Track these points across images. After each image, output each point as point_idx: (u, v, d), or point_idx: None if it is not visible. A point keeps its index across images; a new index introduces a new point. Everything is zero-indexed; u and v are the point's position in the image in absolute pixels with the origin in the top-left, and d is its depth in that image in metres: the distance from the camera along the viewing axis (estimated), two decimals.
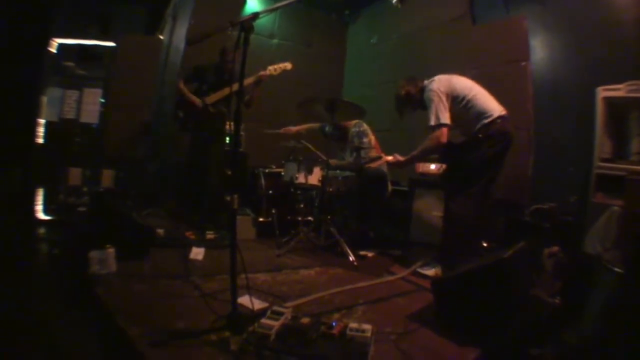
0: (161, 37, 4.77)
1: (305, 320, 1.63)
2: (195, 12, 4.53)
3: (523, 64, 3.69)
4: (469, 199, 2.59)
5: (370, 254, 3.18)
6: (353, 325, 1.60)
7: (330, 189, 3.26)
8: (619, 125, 2.90)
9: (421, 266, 2.82)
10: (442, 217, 3.18)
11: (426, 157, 3.04)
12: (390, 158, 2.91)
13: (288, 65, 3.83)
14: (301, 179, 3.31)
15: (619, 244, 2.20)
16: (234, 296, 1.66)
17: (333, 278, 2.61)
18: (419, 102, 2.88)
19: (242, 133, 4.55)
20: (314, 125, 4.09)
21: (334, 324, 1.62)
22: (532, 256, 2.28)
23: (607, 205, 2.63)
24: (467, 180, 2.61)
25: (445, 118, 2.59)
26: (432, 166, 3.62)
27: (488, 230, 2.97)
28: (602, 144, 2.88)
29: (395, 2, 4.81)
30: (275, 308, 1.72)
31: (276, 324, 1.56)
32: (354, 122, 3.73)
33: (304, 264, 2.84)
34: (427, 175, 3.68)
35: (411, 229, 3.62)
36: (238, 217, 3.40)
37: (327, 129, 3.80)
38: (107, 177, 3.90)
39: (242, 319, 1.63)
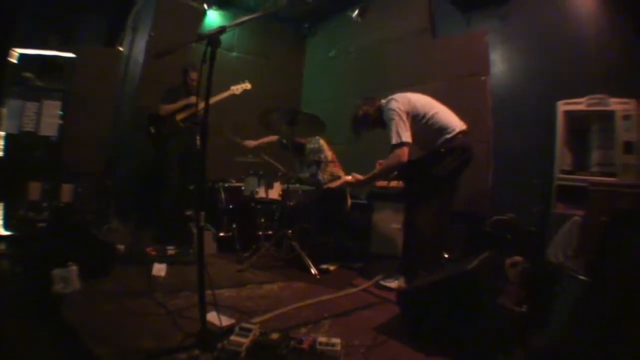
0: (121, 49, 4.68)
1: (275, 335, 1.68)
2: (156, 24, 4.50)
3: (483, 77, 3.85)
4: (429, 211, 2.67)
5: (332, 267, 3.25)
6: (322, 339, 1.66)
7: (291, 203, 3.33)
8: (580, 138, 3.05)
9: (383, 278, 2.89)
10: (401, 229, 3.35)
11: (387, 176, 3.11)
12: (349, 178, 2.94)
13: (248, 85, 4.12)
14: (261, 193, 3.36)
15: (581, 252, 2.35)
16: (203, 313, 1.68)
17: (297, 292, 2.66)
18: (376, 121, 2.95)
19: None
20: (272, 138, 4.18)
21: (303, 338, 1.68)
22: (495, 266, 2.38)
23: (568, 215, 2.79)
24: (427, 193, 2.69)
25: (407, 137, 2.63)
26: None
27: (448, 241, 3.08)
28: (562, 155, 3.03)
29: (356, 16, 4.89)
30: (243, 324, 1.75)
31: (246, 340, 1.61)
32: (309, 139, 3.87)
33: (267, 279, 2.87)
34: (386, 188, 3.79)
35: (371, 241, 3.73)
36: (196, 232, 3.45)
37: (284, 142, 3.93)
38: (67, 192, 3.75)
39: (211, 337, 1.67)
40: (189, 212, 4.23)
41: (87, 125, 4.11)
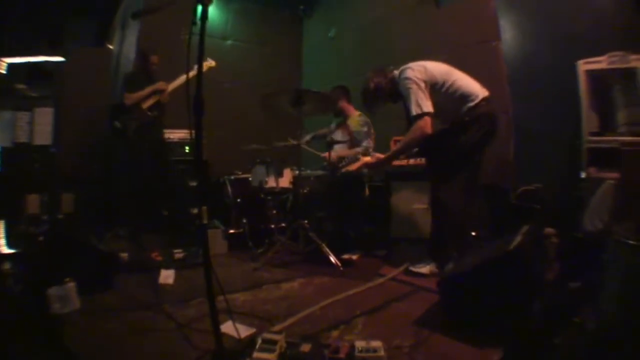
0: (111, 47, 4.40)
1: (306, 347, 1.42)
2: (145, 18, 4.24)
3: (494, 43, 3.60)
4: (458, 186, 2.47)
5: (354, 257, 3.00)
6: (360, 344, 1.42)
7: (305, 191, 3.06)
8: (603, 98, 2.86)
9: (412, 264, 2.66)
10: (425, 209, 3.12)
11: (409, 151, 2.82)
12: (367, 159, 2.72)
13: (212, 63, 3.79)
14: (271, 182, 3.08)
15: (620, 216, 2.14)
16: (217, 332, 1.41)
17: (320, 288, 2.41)
18: (390, 94, 2.72)
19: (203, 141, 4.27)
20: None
21: (338, 345, 1.43)
22: (538, 240, 2.16)
23: (601, 179, 2.60)
24: (454, 166, 2.48)
25: (428, 106, 2.42)
26: None
27: (476, 218, 2.85)
28: (588, 118, 2.83)
29: None
30: (266, 335, 1.49)
31: (272, 356, 1.35)
32: (357, 113, 3.65)
33: (285, 276, 2.62)
34: (403, 167, 3.48)
35: (392, 225, 3.44)
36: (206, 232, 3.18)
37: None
38: (67, 202, 3.57)
39: (229, 355, 1.41)
40: (194, 211, 3.98)
41: (82, 130, 3.92)
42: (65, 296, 1.93)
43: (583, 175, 2.74)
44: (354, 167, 2.80)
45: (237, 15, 5.27)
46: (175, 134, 4.07)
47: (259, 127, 4.79)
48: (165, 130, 3.95)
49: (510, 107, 3.44)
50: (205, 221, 1.40)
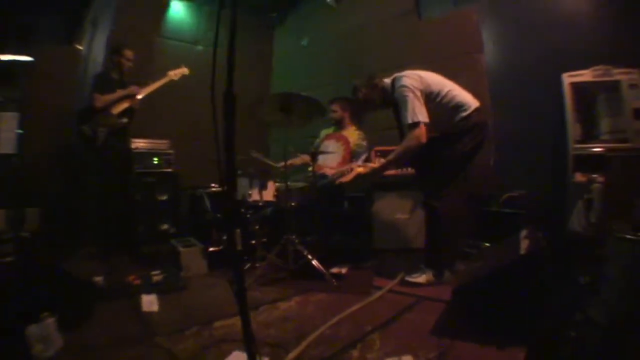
0: (80, 47, 3.99)
1: None
2: (117, 17, 3.98)
3: (476, 56, 3.73)
4: (452, 194, 2.53)
5: (343, 270, 2.92)
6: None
7: (293, 204, 2.94)
8: (586, 108, 3.05)
9: (408, 274, 2.64)
10: (407, 219, 3.20)
11: (404, 159, 2.78)
12: (361, 169, 2.68)
13: (186, 70, 3.71)
14: (255, 195, 2.94)
15: (612, 215, 2.28)
16: None
17: (319, 306, 2.32)
18: (380, 103, 2.73)
19: (171, 151, 4.01)
20: (305, 158, 3.68)
21: None
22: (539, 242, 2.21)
23: (587, 183, 2.76)
24: (447, 175, 2.54)
25: (424, 115, 2.44)
26: None
27: (466, 225, 2.93)
28: (573, 126, 2.99)
29: (331, 1, 4.59)
30: None
31: None
32: (354, 127, 3.64)
33: (279, 295, 2.48)
34: (385, 177, 3.53)
35: (374, 236, 3.45)
36: (184, 249, 2.96)
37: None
38: (32, 217, 3.15)
39: None
40: (165, 227, 3.71)
41: (49, 137, 3.55)
42: (47, 335, 1.68)
43: (575, 179, 2.88)
44: (348, 178, 2.74)
45: (209, 19, 5.07)
46: (143, 144, 3.78)
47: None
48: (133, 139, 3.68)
49: (492, 118, 3.47)
50: (239, 247, 1.25)
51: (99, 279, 2.60)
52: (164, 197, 3.88)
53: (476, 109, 2.53)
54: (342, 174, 2.81)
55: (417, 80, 2.54)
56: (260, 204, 2.95)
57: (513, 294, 1.71)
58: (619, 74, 2.86)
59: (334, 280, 2.64)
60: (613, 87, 2.88)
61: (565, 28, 3.29)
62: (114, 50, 3.43)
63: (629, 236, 1.66)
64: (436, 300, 2.29)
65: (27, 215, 3.27)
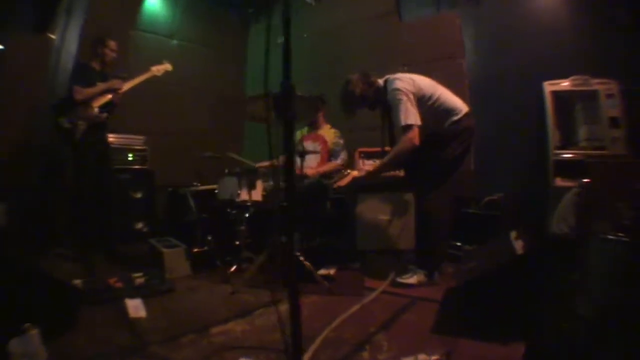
0: (52, 36, 3.65)
1: None
2: (91, 6, 3.75)
3: (457, 60, 3.78)
4: (442, 196, 2.60)
5: (332, 272, 2.90)
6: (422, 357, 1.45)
7: (285, 204, 2.86)
8: (565, 116, 3.22)
9: (399, 275, 2.68)
10: (389, 220, 3.25)
11: (398, 162, 2.79)
12: (356, 173, 2.71)
13: (169, 67, 3.56)
14: (244, 195, 2.82)
15: (592, 217, 2.38)
16: None
17: (315, 308, 2.29)
18: (372, 103, 2.75)
19: (146, 147, 3.80)
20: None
21: None
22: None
23: (566, 187, 2.88)
24: (438, 178, 2.60)
25: (416, 118, 2.49)
26: None
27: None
28: (553, 133, 3.15)
29: (311, 0, 4.55)
30: None
31: None
32: (329, 125, 3.64)
33: (272, 298, 2.41)
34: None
35: (357, 237, 3.43)
36: (166, 250, 2.81)
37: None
38: None
39: None
40: (139, 226, 3.51)
41: (16, 129, 3.25)
42: (30, 350, 1.51)
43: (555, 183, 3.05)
44: (344, 182, 2.75)
45: (185, 12, 4.88)
46: (117, 139, 3.56)
47: (203, 134, 4.47)
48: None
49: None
50: (297, 254, 1.20)
51: (77, 281, 2.40)
52: (139, 195, 3.67)
53: (466, 114, 2.60)
54: (340, 178, 2.82)
55: (410, 83, 2.58)
56: (248, 203, 2.84)
57: (513, 291, 1.79)
58: (597, 84, 3.05)
59: (325, 282, 2.60)
60: (591, 96, 3.08)
61: (545, 37, 3.43)
62: (97, 40, 3.21)
63: (611, 237, 1.76)
64: (430, 300, 2.33)
65: None
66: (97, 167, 3.13)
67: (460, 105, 2.63)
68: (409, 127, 2.47)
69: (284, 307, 2.24)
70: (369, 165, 3.69)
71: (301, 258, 2.66)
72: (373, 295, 2.46)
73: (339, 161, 3.62)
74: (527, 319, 1.70)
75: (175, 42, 4.80)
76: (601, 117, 3.04)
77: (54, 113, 3.01)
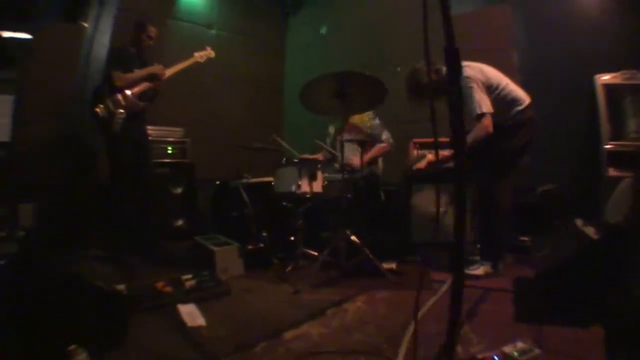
0: (85, 24, 3.47)
1: None
2: None
3: (507, 52, 3.68)
4: (508, 186, 2.60)
5: (393, 266, 2.70)
6: (508, 349, 1.43)
7: (348, 195, 2.66)
8: (615, 108, 3.27)
9: (466, 266, 2.52)
10: (445, 212, 3.08)
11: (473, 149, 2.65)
12: (431, 156, 2.65)
13: (212, 53, 3.40)
14: (304, 187, 2.59)
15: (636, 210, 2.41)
16: None
17: (389, 304, 2.11)
18: (440, 89, 2.55)
19: (185, 139, 3.61)
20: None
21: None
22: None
23: (620, 178, 2.93)
24: (505, 167, 2.60)
25: (489, 106, 2.48)
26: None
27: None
28: (605, 125, 3.22)
29: None
30: None
31: None
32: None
33: (340, 297, 2.19)
34: (422, 169, 3.35)
35: (412, 230, 3.23)
36: (218, 249, 2.58)
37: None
38: (26, 214, 2.70)
39: None
40: (180, 223, 3.31)
41: (45, 123, 3.04)
42: None
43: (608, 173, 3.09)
44: (422, 165, 2.66)
45: (224, 2, 4.74)
46: (155, 131, 3.39)
47: (243, 126, 4.32)
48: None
49: None
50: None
51: (121, 287, 2.19)
52: (179, 191, 3.48)
53: (529, 105, 2.58)
54: (417, 161, 2.73)
55: (479, 72, 2.56)
56: (308, 195, 2.61)
57: (593, 275, 1.77)
58: None
59: (394, 277, 2.44)
60: (639, 90, 3.17)
61: (594, 31, 3.47)
62: (137, 24, 3.02)
63: None
64: (502, 290, 2.28)
65: (19, 211, 2.82)
66: (136, 160, 2.94)
67: (523, 96, 2.60)
68: (482, 115, 2.46)
69: (353, 306, 2.08)
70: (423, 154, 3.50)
71: (367, 253, 2.48)
72: (445, 287, 2.32)
73: (384, 143, 3.44)
74: (605, 303, 1.63)
75: (213, 32, 4.64)
76: None
77: (92, 100, 2.81)
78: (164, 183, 3.41)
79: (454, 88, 0.97)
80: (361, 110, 3.13)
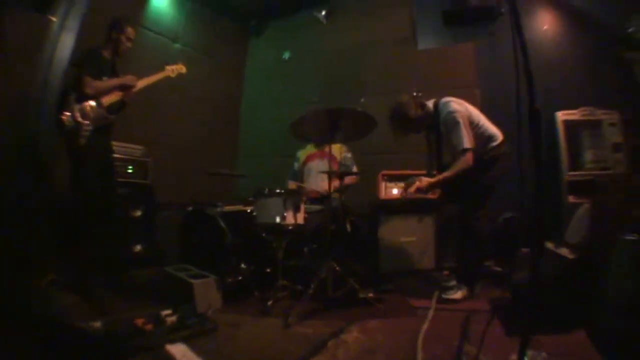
0: (53, 18, 2.97)
1: None
2: None
3: (472, 90, 3.94)
4: (485, 214, 2.78)
5: (371, 295, 2.71)
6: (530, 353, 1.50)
7: (333, 226, 2.67)
8: (574, 142, 3.68)
9: (444, 292, 2.71)
10: (411, 242, 3.33)
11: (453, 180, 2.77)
12: (418, 183, 2.71)
13: (183, 69, 3.29)
14: (289, 218, 2.55)
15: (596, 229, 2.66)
16: None
17: (385, 332, 2.14)
18: (425, 124, 2.82)
19: (147, 159, 3.31)
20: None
21: None
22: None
23: (578, 204, 3.20)
24: (482, 197, 2.75)
25: (472, 142, 2.62)
26: (395, 191, 3.51)
27: None
28: (565, 157, 3.60)
29: (322, 17, 4.50)
30: None
31: None
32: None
33: (333, 328, 2.18)
34: (390, 200, 3.56)
35: (380, 259, 3.34)
36: (196, 282, 2.41)
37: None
38: None
39: None
40: (137, 249, 3.01)
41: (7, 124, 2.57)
42: None
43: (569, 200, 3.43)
44: (412, 189, 2.73)
45: (190, 17, 4.55)
46: (116, 147, 3.10)
47: (201, 147, 4.10)
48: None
49: None
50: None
51: (96, 324, 1.93)
52: (138, 214, 3.17)
53: (503, 140, 2.77)
54: (409, 185, 2.77)
55: (464, 107, 2.72)
56: (290, 227, 2.56)
57: (573, 291, 1.99)
58: (601, 114, 3.55)
59: (381, 306, 2.50)
60: (596, 125, 3.59)
61: (554, 71, 3.76)
62: (114, 24, 2.78)
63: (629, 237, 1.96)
64: (482, 311, 2.40)
65: None
66: (102, 177, 2.67)
67: (497, 132, 2.78)
68: (467, 150, 2.59)
69: (351, 337, 2.09)
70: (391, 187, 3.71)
71: (353, 283, 2.54)
72: (431, 312, 2.43)
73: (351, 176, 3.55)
74: (586, 311, 1.94)
75: (178, 45, 4.44)
76: (605, 143, 3.54)
77: (57, 105, 2.52)
78: (123, 204, 3.09)
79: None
80: (349, 139, 3.20)
